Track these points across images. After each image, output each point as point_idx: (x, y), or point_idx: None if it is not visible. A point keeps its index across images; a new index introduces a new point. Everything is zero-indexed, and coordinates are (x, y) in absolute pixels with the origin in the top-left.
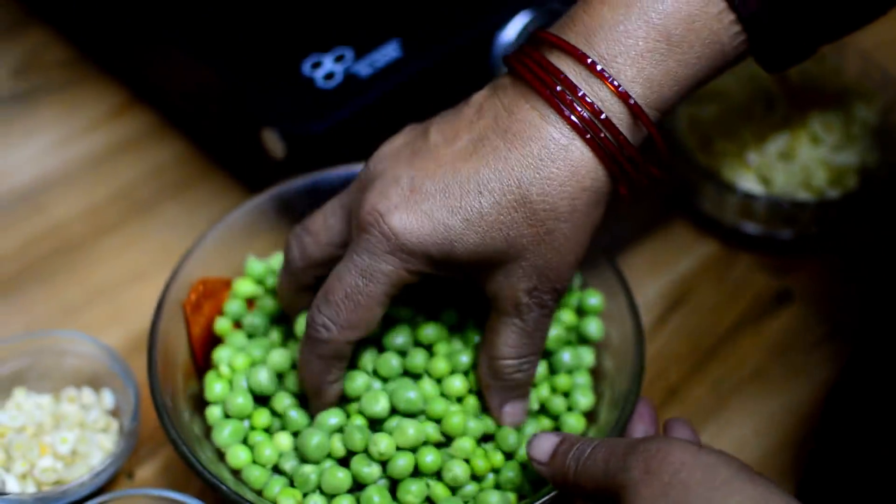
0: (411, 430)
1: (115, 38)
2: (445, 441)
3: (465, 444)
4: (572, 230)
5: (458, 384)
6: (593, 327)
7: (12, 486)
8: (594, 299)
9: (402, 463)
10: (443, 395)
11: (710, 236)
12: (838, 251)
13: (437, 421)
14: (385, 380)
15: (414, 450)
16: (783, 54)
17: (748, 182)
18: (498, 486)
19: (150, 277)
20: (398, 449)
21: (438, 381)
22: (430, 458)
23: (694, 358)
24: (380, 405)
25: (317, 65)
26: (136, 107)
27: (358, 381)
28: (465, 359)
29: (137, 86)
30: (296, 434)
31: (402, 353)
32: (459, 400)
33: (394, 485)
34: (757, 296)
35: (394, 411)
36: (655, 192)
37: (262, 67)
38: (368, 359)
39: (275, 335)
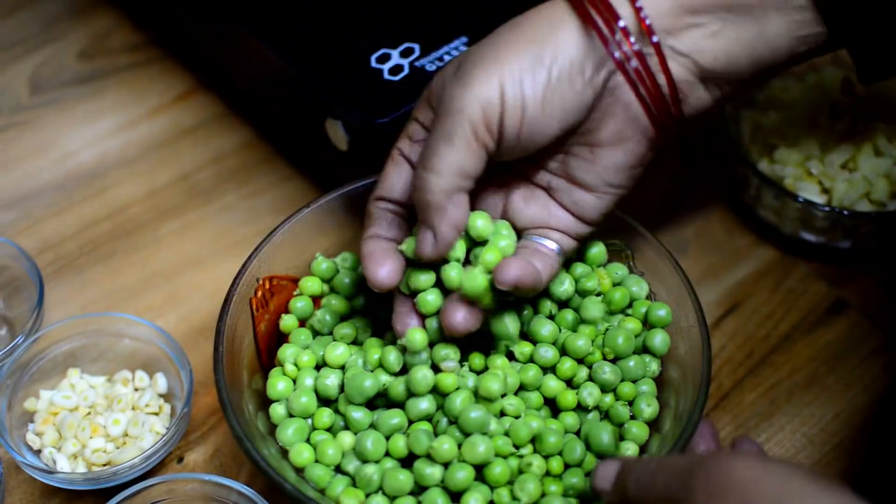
0: (482, 446)
1: (183, 24)
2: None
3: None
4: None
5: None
6: (659, 340)
7: (63, 465)
8: (662, 311)
9: (462, 476)
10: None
11: (768, 243)
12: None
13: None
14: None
15: (482, 465)
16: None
17: (809, 191)
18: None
19: (207, 264)
20: (462, 461)
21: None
22: (498, 469)
23: (748, 363)
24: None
25: (384, 58)
26: (200, 93)
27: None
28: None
29: (203, 72)
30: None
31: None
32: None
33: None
34: (813, 304)
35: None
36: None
37: (330, 58)
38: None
39: (341, 333)
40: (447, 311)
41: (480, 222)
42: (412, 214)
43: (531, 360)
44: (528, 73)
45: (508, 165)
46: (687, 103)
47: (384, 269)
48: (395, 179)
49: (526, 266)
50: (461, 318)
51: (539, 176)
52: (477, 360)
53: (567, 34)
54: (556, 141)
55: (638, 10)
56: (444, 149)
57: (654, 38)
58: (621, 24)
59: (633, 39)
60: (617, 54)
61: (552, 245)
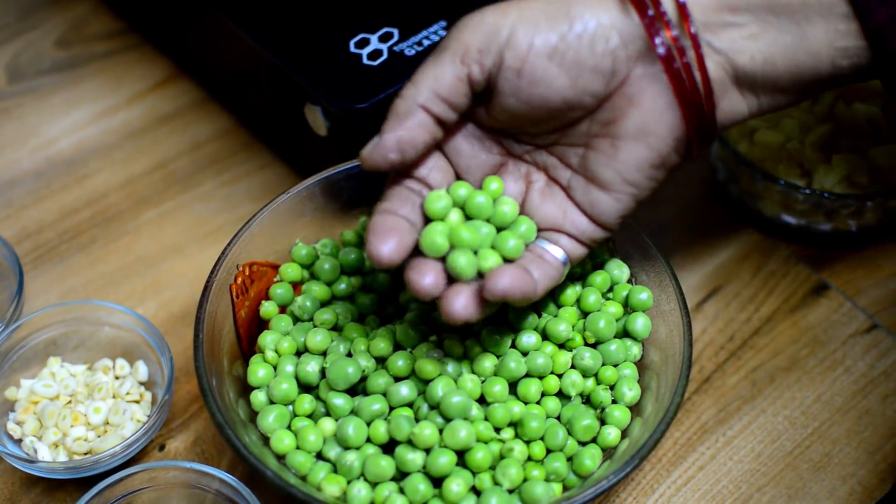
0: (463, 432)
1: (160, 11)
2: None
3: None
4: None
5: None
6: (640, 324)
7: (44, 454)
8: (643, 295)
9: (444, 461)
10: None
11: (749, 226)
12: (878, 244)
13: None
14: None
15: (463, 450)
16: None
17: (789, 174)
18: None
19: (187, 251)
20: (444, 447)
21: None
22: (480, 455)
23: (729, 347)
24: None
25: (363, 43)
26: (179, 80)
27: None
28: (541, 360)
29: (181, 59)
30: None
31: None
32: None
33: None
34: (794, 287)
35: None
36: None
37: (308, 44)
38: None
39: (322, 319)
40: (448, 295)
41: (507, 208)
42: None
43: (513, 345)
44: (546, 21)
45: (528, 151)
46: (719, 108)
47: (387, 245)
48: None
49: (519, 278)
50: (461, 304)
51: (559, 172)
52: (456, 347)
53: (604, 2)
54: (572, 120)
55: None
56: (430, 62)
57: (693, 29)
58: (663, 9)
59: (672, 27)
60: (657, 39)
61: (558, 253)
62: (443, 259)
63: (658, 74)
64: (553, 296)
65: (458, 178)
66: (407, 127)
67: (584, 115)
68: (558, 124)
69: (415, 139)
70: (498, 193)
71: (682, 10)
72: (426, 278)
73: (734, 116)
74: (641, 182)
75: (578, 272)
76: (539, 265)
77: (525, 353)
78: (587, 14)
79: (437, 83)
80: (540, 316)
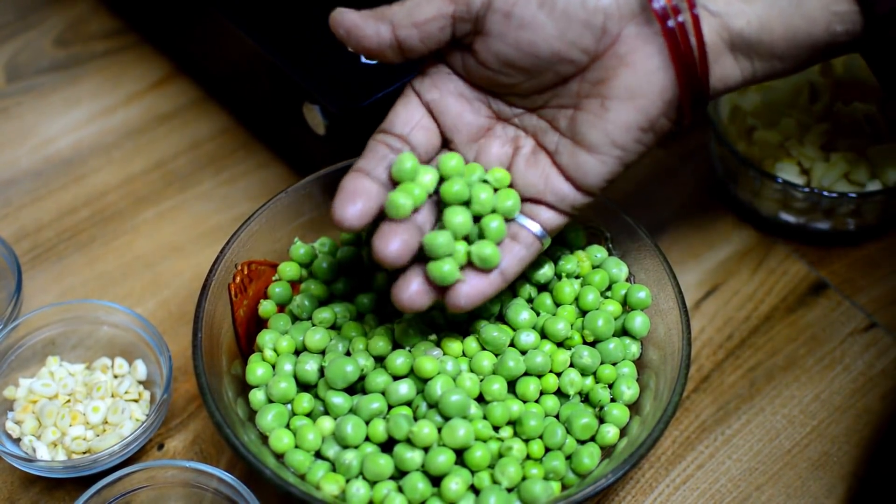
0: (462, 430)
1: (159, 11)
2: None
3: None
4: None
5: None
6: (639, 322)
7: (42, 453)
8: (642, 293)
9: (442, 460)
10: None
11: (747, 225)
12: (876, 243)
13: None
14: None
15: (462, 449)
16: None
17: (788, 172)
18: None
19: (185, 250)
20: (442, 445)
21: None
22: (479, 453)
23: (728, 345)
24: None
25: None
26: (178, 79)
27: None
28: (540, 359)
29: (180, 59)
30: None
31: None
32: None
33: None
34: (792, 285)
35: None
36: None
37: (307, 43)
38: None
39: (320, 318)
40: (399, 283)
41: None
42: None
43: (512, 344)
44: None
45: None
46: (712, 73)
47: (354, 208)
48: (402, 113)
49: (480, 290)
50: (414, 291)
51: (548, 137)
52: (453, 345)
53: None
54: (562, 77)
55: None
56: None
57: None
58: None
59: None
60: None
61: (535, 228)
62: (413, 226)
63: (651, 35)
64: (552, 294)
65: (444, 138)
66: (379, 30)
67: (574, 73)
68: (548, 81)
69: (366, 36)
70: (505, 182)
71: None
72: (391, 245)
73: (727, 81)
74: (629, 145)
75: (578, 273)
76: (510, 251)
77: (524, 352)
78: None
79: (418, 7)
80: (538, 315)
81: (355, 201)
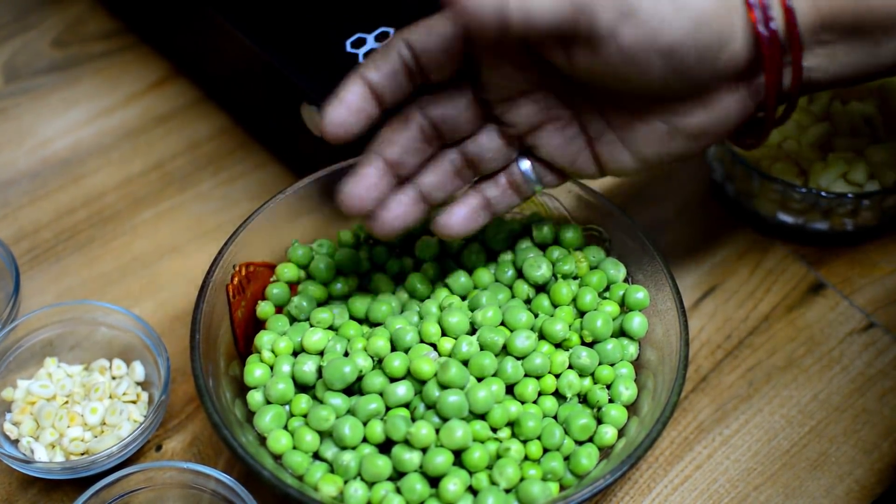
0: (460, 431)
1: (157, 11)
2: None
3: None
4: None
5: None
6: (637, 323)
7: (40, 454)
8: (640, 294)
9: (440, 461)
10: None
11: (745, 225)
12: (874, 243)
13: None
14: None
15: (460, 450)
16: None
17: (786, 173)
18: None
19: (183, 251)
20: (440, 446)
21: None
22: (477, 454)
23: (726, 346)
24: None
25: (359, 43)
26: (176, 80)
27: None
28: (538, 360)
29: (178, 60)
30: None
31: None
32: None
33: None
34: (791, 286)
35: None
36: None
37: (305, 43)
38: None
39: (318, 319)
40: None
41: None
42: (422, 75)
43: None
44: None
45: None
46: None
47: (342, 109)
48: (431, 30)
49: (471, 220)
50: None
51: (595, 126)
52: (447, 344)
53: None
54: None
55: (789, 12)
56: None
57: (804, 63)
58: (773, 25)
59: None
60: (763, 31)
61: (525, 166)
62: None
63: (737, 88)
64: (550, 295)
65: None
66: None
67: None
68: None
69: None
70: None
71: (794, 34)
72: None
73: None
74: (665, 166)
75: (575, 273)
76: (503, 194)
77: (522, 357)
78: None
79: None
80: (536, 316)
81: (348, 103)
